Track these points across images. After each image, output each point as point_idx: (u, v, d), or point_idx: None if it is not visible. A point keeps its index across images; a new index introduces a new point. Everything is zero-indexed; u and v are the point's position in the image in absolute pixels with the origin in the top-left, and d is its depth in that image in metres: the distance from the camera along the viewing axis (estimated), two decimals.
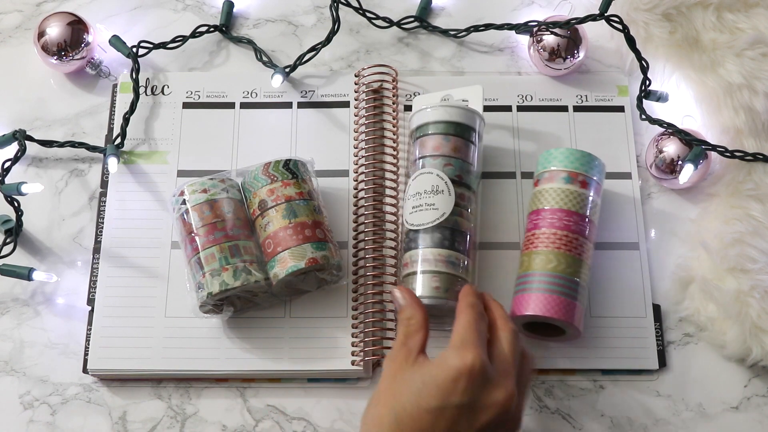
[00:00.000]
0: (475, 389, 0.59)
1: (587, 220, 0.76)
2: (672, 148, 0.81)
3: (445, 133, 0.77)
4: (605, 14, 0.82)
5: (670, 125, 0.82)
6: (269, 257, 0.75)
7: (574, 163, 0.77)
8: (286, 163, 0.77)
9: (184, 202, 0.76)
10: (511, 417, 0.61)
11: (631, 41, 0.82)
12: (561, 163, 0.77)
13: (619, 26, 0.82)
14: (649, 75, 0.84)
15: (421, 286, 0.73)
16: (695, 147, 0.80)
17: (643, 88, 0.84)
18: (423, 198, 0.75)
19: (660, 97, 0.85)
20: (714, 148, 0.81)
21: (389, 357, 0.65)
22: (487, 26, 0.90)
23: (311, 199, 0.77)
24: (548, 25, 0.86)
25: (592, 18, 0.83)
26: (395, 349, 0.65)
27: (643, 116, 0.84)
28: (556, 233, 0.75)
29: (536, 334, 0.76)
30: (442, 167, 0.76)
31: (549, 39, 0.86)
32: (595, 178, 0.77)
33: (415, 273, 0.74)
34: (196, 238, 0.74)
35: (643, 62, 0.83)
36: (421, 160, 0.77)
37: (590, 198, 0.76)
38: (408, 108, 0.86)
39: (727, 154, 0.82)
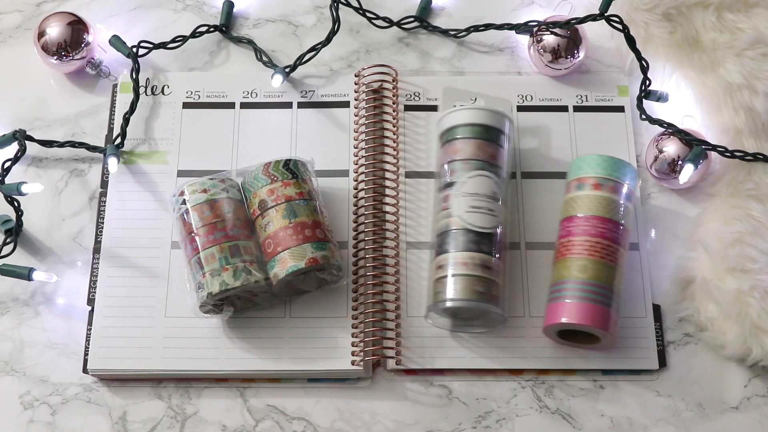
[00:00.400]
0: None
1: (621, 227, 0.76)
2: (672, 148, 0.81)
3: (490, 140, 0.78)
4: (605, 14, 0.82)
5: (670, 125, 0.82)
6: (269, 257, 0.75)
7: (607, 169, 0.77)
8: (286, 163, 0.77)
9: (184, 202, 0.76)
10: None
11: (631, 41, 0.82)
12: (594, 170, 0.77)
13: (619, 26, 0.82)
14: (649, 75, 0.84)
15: (461, 288, 0.73)
16: (695, 147, 0.80)
17: (643, 88, 0.84)
18: (483, 201, 0.75)
19: (660, 97, 0.85)
20: (714, 148, 0.81)
21: None
22: (487, 26, 0.90)
23: (311, 199, 0.77)
24: (548, 25, 0.86)
25: (592, 18, 0.83)
26: None
27: (643, 116, 0.84)
28: (590, 240, 0.75)
29: (571, 341, 0.76)
30: (497, 175, 0.77)
31: (549, 39, 0.86)
32: (627, 183, 0.77)
33: (454, 275, 0.74)
34: (196, 238, 0.74)
35: (643, 62, 0.83)
36: (474, 161, 0.77)
37: (623, 204, 0.76)
38: (408, 108, 0.86)
39: (727, 154, 0.82)
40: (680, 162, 0.81)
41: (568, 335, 0.76)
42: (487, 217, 0.75)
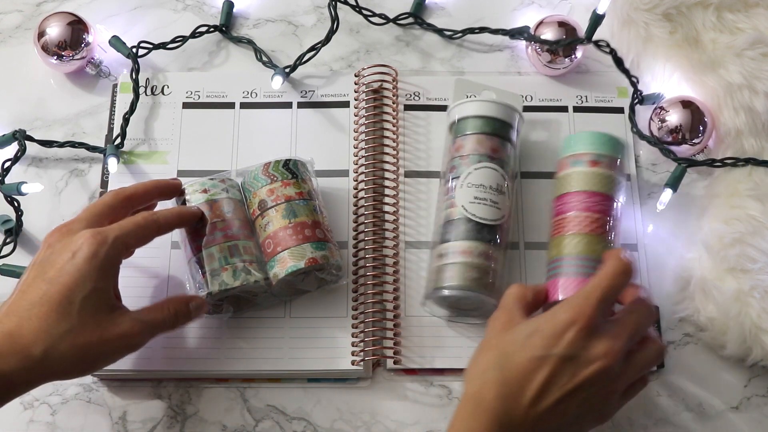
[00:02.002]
0: (579, 343, 0.61)
1: (614, 200, 0.76)
2: (674, 117, 0.83)
3: (496, 134, 0.78)
4: (591, 39, 0.82)
5: (657, 141, 0.83)
6: (269, 257, 0.75)
7: (598, 145, 0.77)
8: (286, 163, 0.78)
9: (184, 202, 0.76)
10: (610, 383, 0.62)
11: (619, 63, 0.83)
12: (584, 146, 0.77)
13: (606, 50, 0.82)
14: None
15: (457, 275, 0.74)
16: (676, 168, 0.80)
17: (633, 100, 0.85)
18: (488, 193, 0.76)
19: (656, 100, 0.85)
20: (700, 163, 0.82)
21: (493, 318, 0.67)
22: (482, 29, 0.90)
23: (311, 199, 0.77)
24: (539, 41, 0.85)
25: (579, 42, 0.83)
26: (499, 311, 0.67)
27: (634, 129, 0.84)
28: (584, 216, 0.74)
29: None
30: (503, 168, 0.77)
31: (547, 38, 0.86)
32: (619, 157, 0.77)
33: (453, 263, 0.74)
34: (196, 238, 0.74)
35: (633, 78, 0.84)
36: (475, 156, 0.77)
37: (616, 178, 0.76)
38: (408, 108, 0.86)
39: (717, 164, 0.82)
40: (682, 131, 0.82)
41: None
42: (491, 209, 0.75)
